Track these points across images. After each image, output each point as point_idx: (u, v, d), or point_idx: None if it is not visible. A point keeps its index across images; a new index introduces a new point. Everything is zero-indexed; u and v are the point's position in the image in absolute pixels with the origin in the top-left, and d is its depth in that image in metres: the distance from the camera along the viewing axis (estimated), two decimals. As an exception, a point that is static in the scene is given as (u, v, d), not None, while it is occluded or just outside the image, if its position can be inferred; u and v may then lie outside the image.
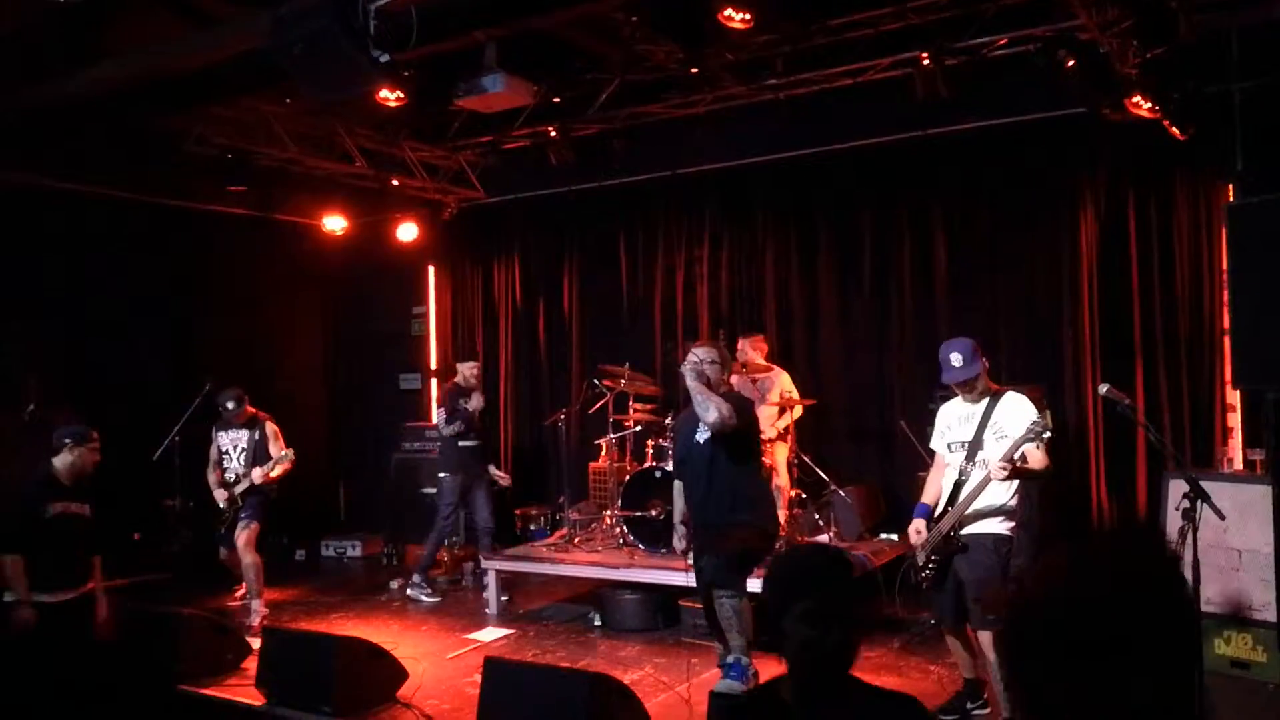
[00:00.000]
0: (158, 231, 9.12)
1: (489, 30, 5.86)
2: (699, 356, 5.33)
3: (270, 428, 7.36)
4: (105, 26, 5.98)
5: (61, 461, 5.74)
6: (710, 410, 5.07)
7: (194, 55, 5.73)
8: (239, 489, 7.21)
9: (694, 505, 5.35)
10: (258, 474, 7.14)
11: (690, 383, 5.21)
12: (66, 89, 6.24)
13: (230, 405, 7.36)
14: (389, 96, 7.23)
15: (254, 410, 7.46)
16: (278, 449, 7.28)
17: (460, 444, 8.20)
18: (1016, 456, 4.47)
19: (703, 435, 5.24)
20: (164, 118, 7.55)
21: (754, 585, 5.17)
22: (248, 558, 7.10)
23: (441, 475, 8.30)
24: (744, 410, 5.25)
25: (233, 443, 7.39)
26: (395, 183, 9.32)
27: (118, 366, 8.63)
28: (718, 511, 5.19)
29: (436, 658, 6.41)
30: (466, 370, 8.41)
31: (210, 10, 5.97)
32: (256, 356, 9.58)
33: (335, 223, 10.00)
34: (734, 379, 7.84)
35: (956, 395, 4.87)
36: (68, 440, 5.77)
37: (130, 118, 7.01)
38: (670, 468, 7.10)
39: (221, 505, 7.29)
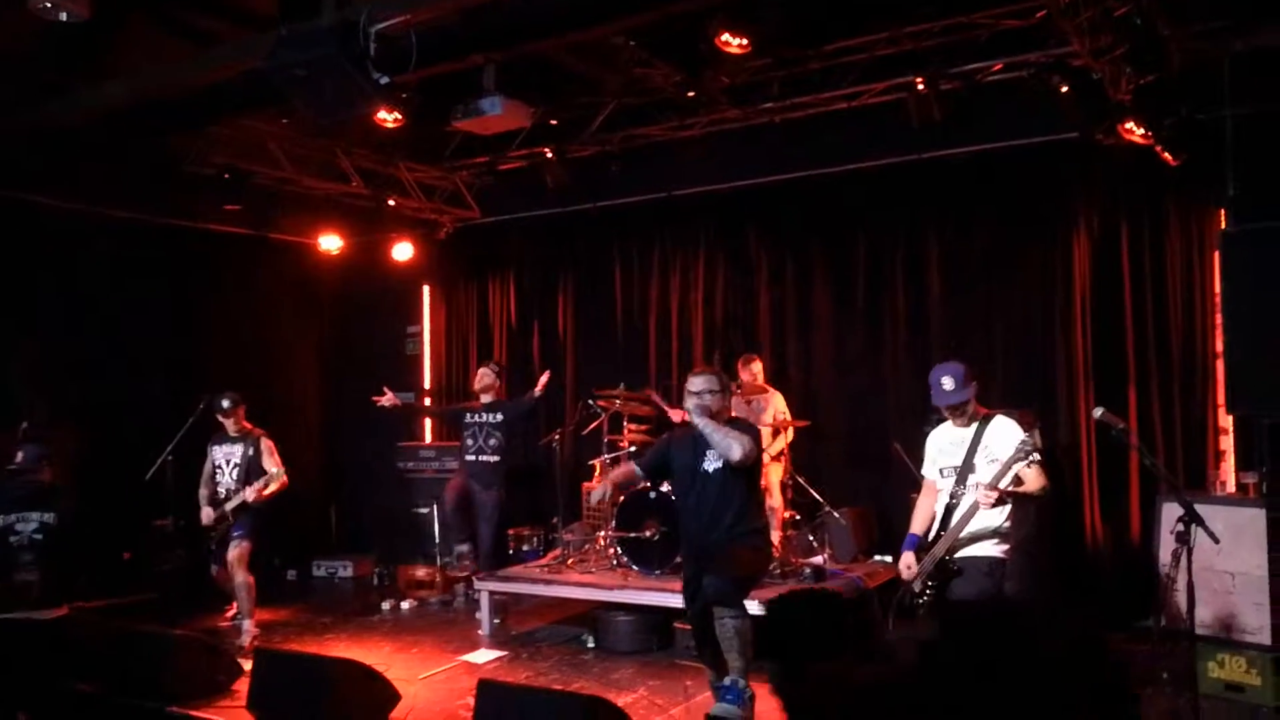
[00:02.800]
0: (154, 250, 9.11)
1: (488, 53, 5.89)
2: (699, 388, 5.19)
3: (265, 444, 7.34)
4: (106, 48, 6.00)
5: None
6: (734, 448, 4.99)
7: (194, 76, 5.77)
8: (230, 506, 7.18)
9: (695, 529, 5.32)
10: (250, 492, 7.11)
11: (699, 421, 5.10)
12: (67, 109, 6.27)
13: (225, 404, 7.33)
14: (386, 117, 7.28)
15: (250, 426, 7.44)
16: (271, 465, 7.25)
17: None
18: (1008, 479, 4.48)
19: (712, 464, 5.19)
20: (163, 138, 7.58)
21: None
22: (239, 577, 7.06)
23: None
24: (756, 439, 5.24)
25: (226, 457, 7.36)
26: (391, 202, 9.34)
27: (114, 385, 8.60)
28: (721, 537, 5.16)
29: (429, 680, 6.37)
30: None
31: (211, 31, 6.00)
32: (252, 375, 9.53)
33: (331, 242, 10.03)
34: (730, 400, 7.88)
35: (947, 419, 4.88)
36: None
37: (130, 138, 7.03)
38: (667, 489, 7.10)
39: (206, 523, 7.25)
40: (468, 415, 8.14)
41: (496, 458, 7.93)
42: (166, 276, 9.30)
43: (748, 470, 5.16)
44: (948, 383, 4.69)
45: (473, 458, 7.98)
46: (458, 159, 9.49)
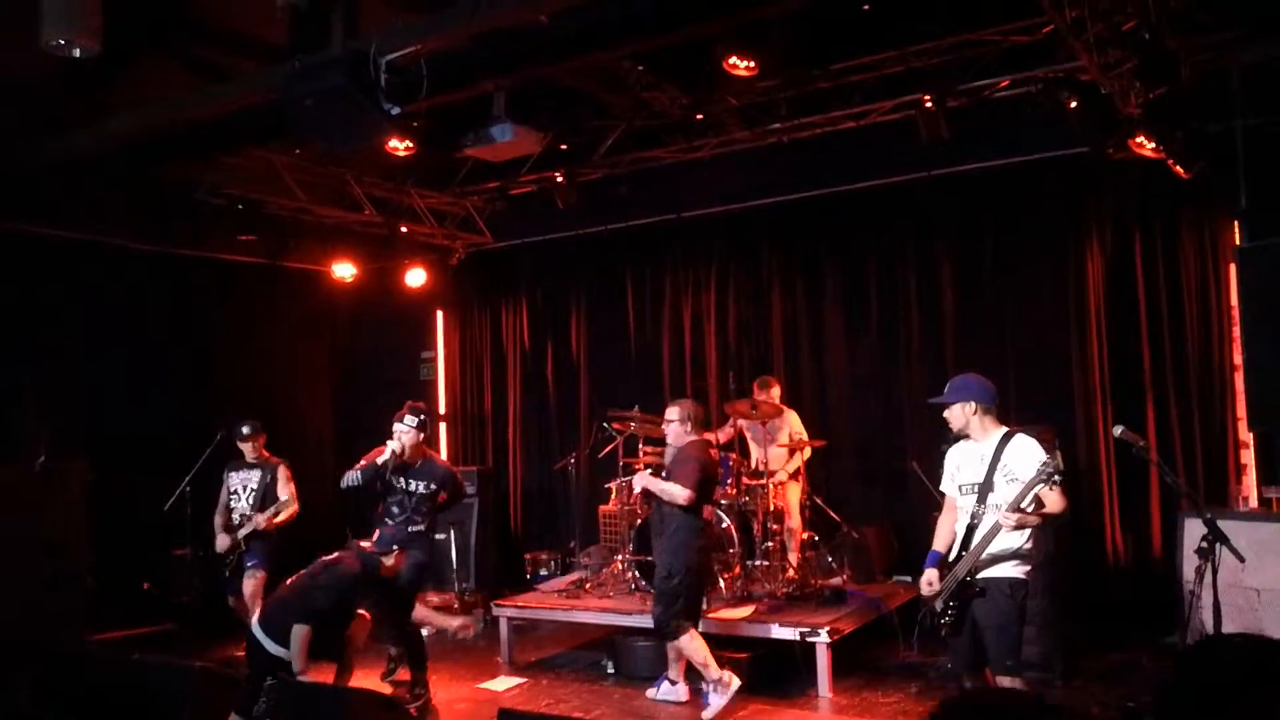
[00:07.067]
0: (169, 281, 9.17)
1: (497, 80, 5.92)
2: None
3: (283, 471, 7.35)
4: (119, 81, 6.06)
5: None
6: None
7: (207, 108, 5.81)
8: (243, 532, 7.17)
9: None
10: (261, 519, 7.10)
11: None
12: (81, 142, 6.32)
13: (245, 430, 7.35)
14: (398, 146, 7.34)
15: (268, 454, 7.45)
16: (286, 492, 7.25)
17: None
18: (1029, 500, 4.43)
19: None
20: (176, 168, 7.63)
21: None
22: (256, 608, 7.05)
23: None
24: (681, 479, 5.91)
25: (243, 483, 7.36)
26: (403, 229, 9.39)
27: (129, 416, 8.62)
28: None
29: (449, 708, 6.35)
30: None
31: (222, 65, 6.05)
32: (267, 403, 9.57)
33: (344, 269, 10.08)
34: (742, 422, 7.86)
35: (967, 437, 4.85)
36: None
37: (144, 170, 7.08)
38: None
39: (220, 550, 7.25)
40: (396, 481, 6.52)
41: (422, 526, 6.57)
42: (180, 306, 9.35)
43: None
44: (947, 387, 4.73)
45: (400, 527, 6.52)
46: (469, 184, 9.53)
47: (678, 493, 5.83)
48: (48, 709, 5.42)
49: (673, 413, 6.07)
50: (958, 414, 4.70)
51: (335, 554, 6.01)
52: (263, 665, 5.58)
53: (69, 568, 7.68)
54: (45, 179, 7.08)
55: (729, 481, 7.36)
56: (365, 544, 6.05)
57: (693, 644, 5.83)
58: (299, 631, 5.55)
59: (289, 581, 5.88)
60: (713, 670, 5.81)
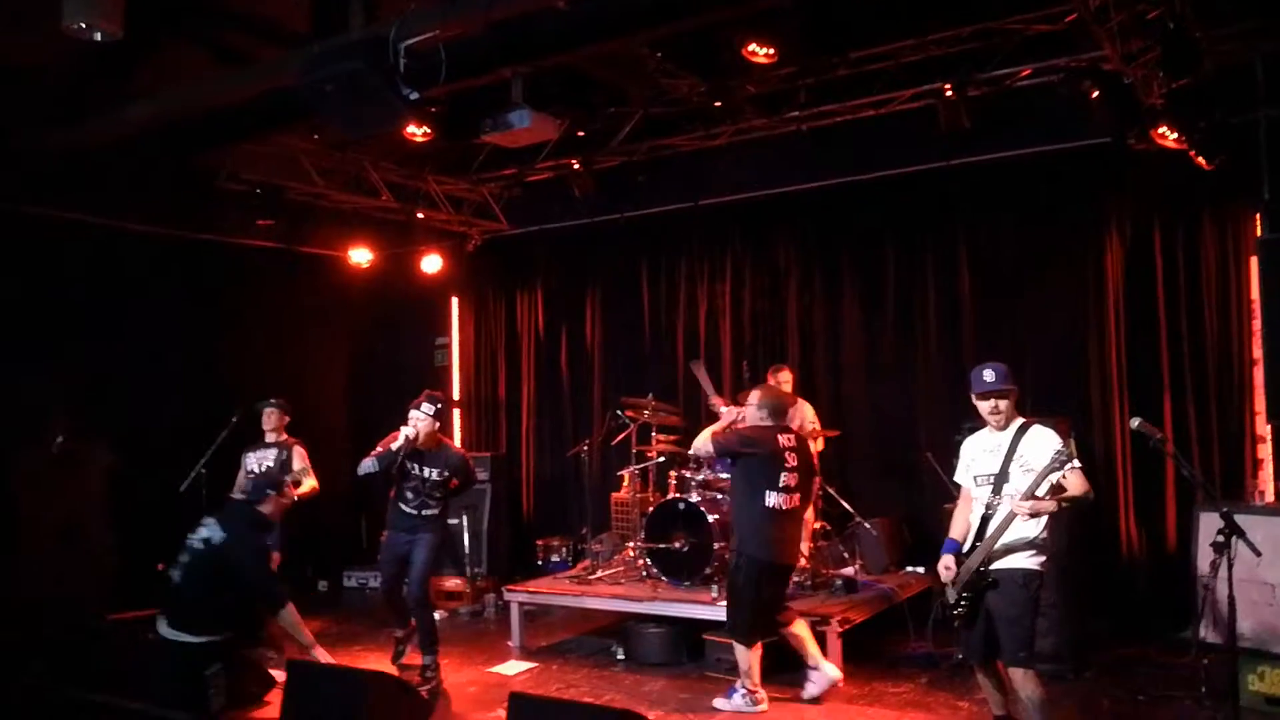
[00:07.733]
0: (186, 265, 9.21)
1: (515, 66, 5.91)
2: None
3: (299, 450, 7.40)
4: (140, 66, 6.08)
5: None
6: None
7: (227, 94, 5.83)
8: None
9: None
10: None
11: None
12: (99, 127, 6.35)
13: (272, 401, 7.42)
14: (416, 131, 7.35)
15: (286, 435, 7.51)
16: (302, 465, 7.29)
17: None
18: (1044, 489, 4.42)
19: None
20: (196, 154, 7.66)
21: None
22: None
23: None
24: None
25: (259, 461, 7.42)
26: (420, 215, 9.41)
27: (145, 399, 8.67)
28: None
29: (459, 691, 6.38)
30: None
31: (242, 49, 6.07)
32: (282, 387, 9.61)
33: (361, 255, 10.11)
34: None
35: (983, 428, 4.83)
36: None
37: (164, 156, 7.11)
38: (696, 499, 7.10)
39: None
40: (411, 466, 6.62)
41: (436, 510, 6.70)
42: (197, 291, 9.37)
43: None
44: (989, 374, 4.65)
45: (414, 511, 6.64)
46: (485, 171, 9.54)
47: (699, 437, 6.00)
48: (66, 686, 5.48)
49: (752, 397, 5.98)
50: (1009, 402, 4.67)
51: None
52: (191, 661, 5.56)
53: (88, 548, 7.77)
54: (67, 164, 7.11)
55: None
56: (238, 495, 6.07)
57: (747, 654, 5.72)
58: (285, 613, 5.71)
59: (175, 575, 5.90)
60: (753, 681, 5.74)
